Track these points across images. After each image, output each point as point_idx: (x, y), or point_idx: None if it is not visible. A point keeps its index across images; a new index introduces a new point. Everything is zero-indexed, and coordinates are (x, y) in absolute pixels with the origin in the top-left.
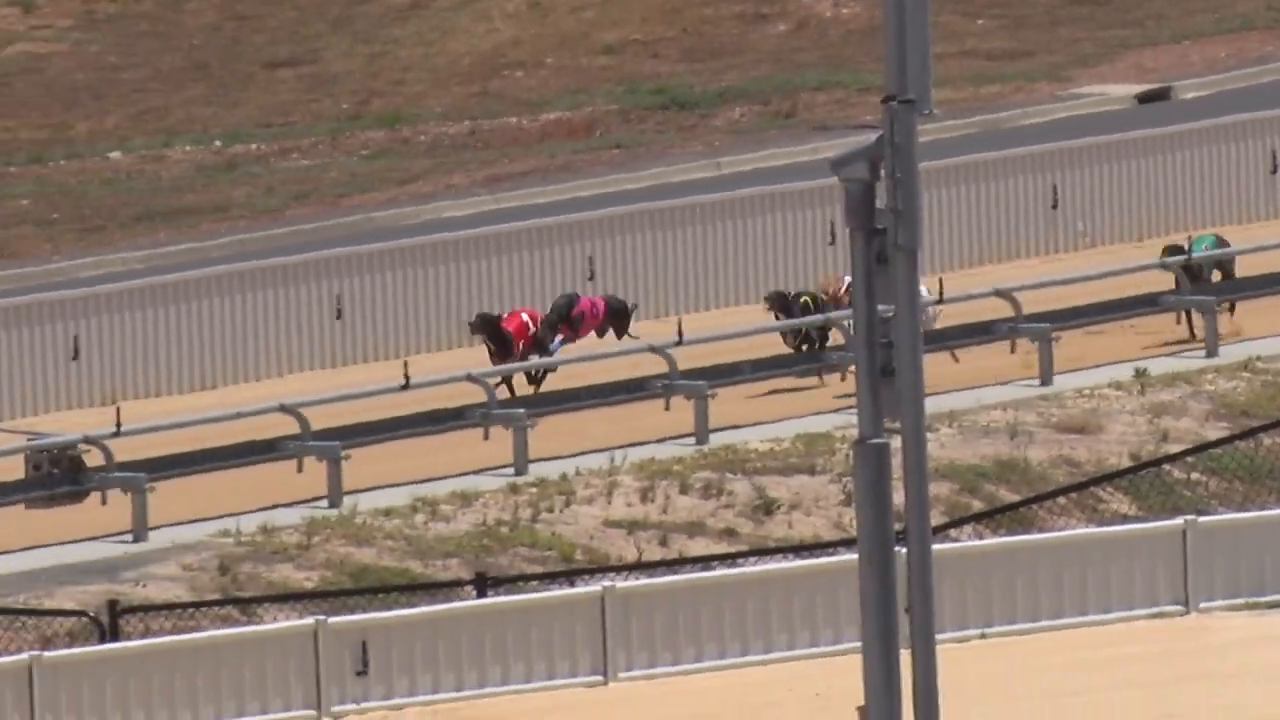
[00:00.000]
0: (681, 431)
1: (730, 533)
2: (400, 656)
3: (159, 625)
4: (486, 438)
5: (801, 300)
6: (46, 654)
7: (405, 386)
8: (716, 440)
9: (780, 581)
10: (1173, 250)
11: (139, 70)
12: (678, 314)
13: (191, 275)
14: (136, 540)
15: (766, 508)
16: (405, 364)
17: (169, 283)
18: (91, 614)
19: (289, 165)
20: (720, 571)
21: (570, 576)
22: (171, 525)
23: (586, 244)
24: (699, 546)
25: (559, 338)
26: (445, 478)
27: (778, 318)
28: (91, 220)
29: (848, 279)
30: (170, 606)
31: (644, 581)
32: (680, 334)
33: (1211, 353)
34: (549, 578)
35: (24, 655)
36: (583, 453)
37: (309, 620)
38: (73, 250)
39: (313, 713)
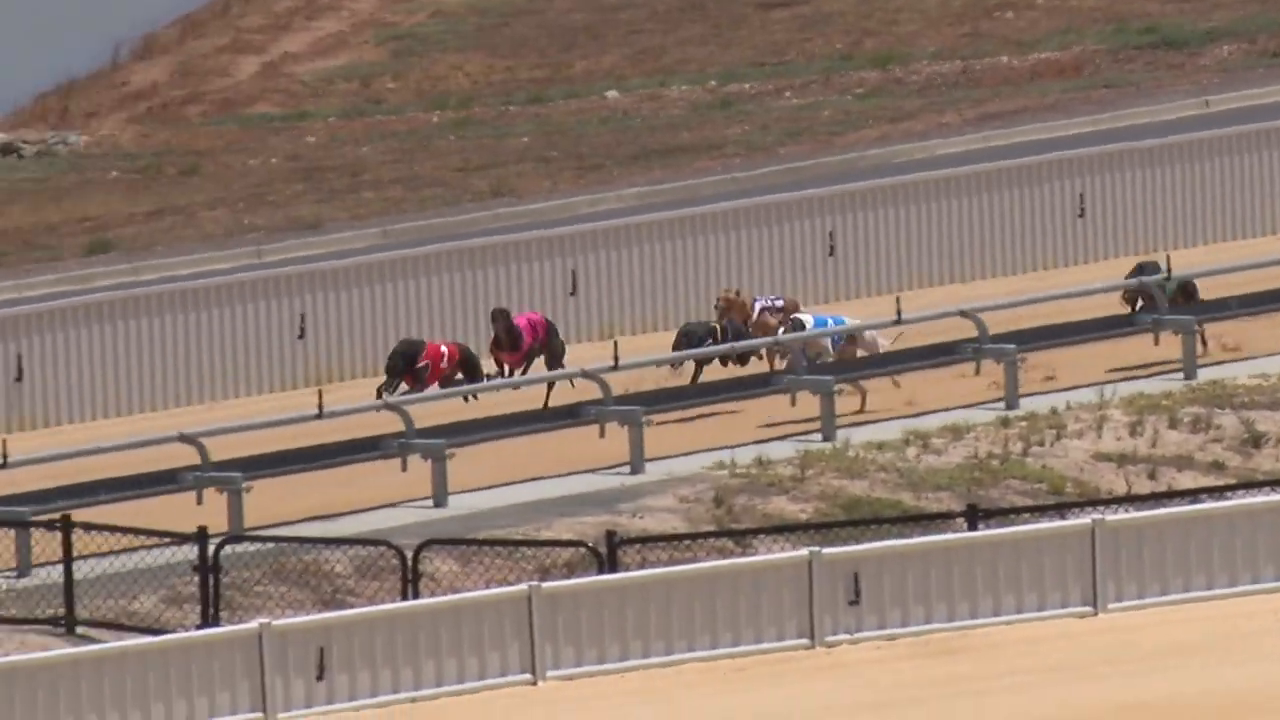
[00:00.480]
0: (1171, 367)
1: (1218, 466)
2: (892, 587)
3: (655, 557)
4: (978, 373)
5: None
6: (545, 584)
7: (897, 321)
8: (1204, 375)
9: (1268, 514)
10: (1141, 269)
11: (636, 10)
12: (1166, 249)
13: (686, 213)
14: (634, 473)
15: (1254, 441)
16: (897, 298)
17: (663, 220)
18: (590, 545)
19: (782, 104)
20: (1208, 504)
21: (1060, 509)
22: (667, 458)
23: (1075, 181)
24: (1187, 480)
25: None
26: (936, 411)
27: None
28: (589, 159)
29: (760, 303)
30: (667, 538)
31: (1133, 514)
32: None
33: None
34: (1039, 510)
35: (523, 585)
36: (1073, 387)
37: (803, 552)
38: (570, 188)
39: (806, 641)
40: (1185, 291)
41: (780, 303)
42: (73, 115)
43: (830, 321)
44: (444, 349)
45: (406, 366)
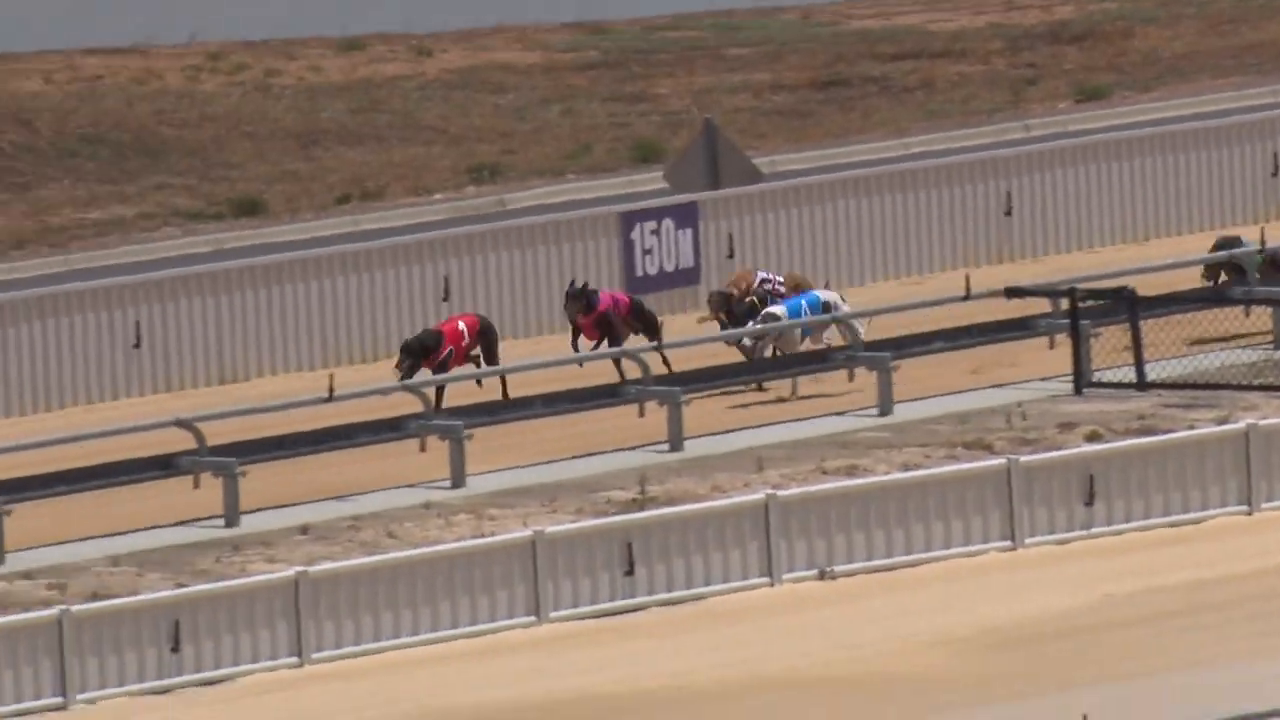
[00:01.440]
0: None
1: None
2: None
3: None
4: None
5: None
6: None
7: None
8: None
9: None
10: (1225, 244)
11: None
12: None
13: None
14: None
15: None
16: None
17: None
18: None
19: None
20: None
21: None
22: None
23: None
24: None
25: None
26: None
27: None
28: None
29: (760, 275)
30: None
31: None
32: None
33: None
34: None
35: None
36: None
37: None
38: None
39: None
40: (1275, 264)
41: (780, 280)
42: None
43: (804, 304)
44: (461, 325)
45: (422, 354)
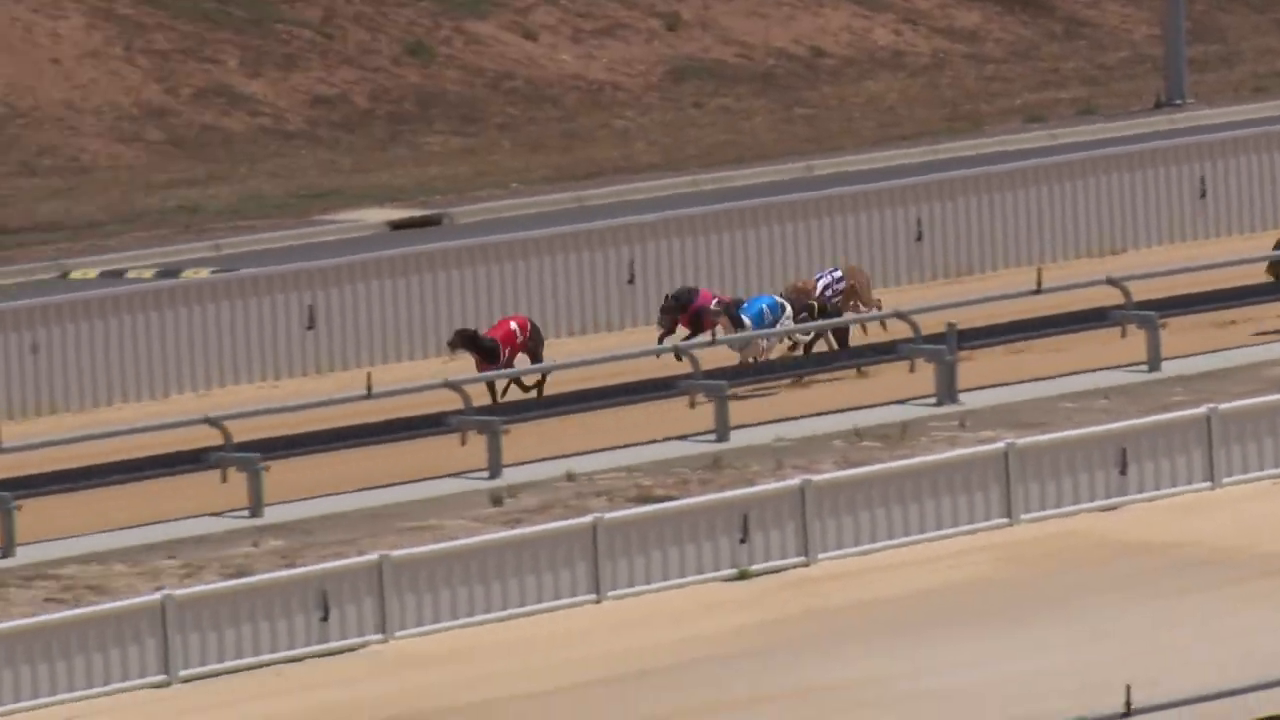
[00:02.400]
0: None
1: None
2: None
3: None
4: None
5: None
6: None
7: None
8: None
9: None
10: None
11: None
12: None
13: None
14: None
15: None
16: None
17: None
18: None
19: None
20: None
21: None
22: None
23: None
24: None
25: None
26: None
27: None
28: None
29: (821, 279)
30: None
31: None
32: None
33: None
34: None
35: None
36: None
37: None
38: None
39: None
40: None
41: (839, 275)
42: None
43: (765, 307)
44: (513, 326)
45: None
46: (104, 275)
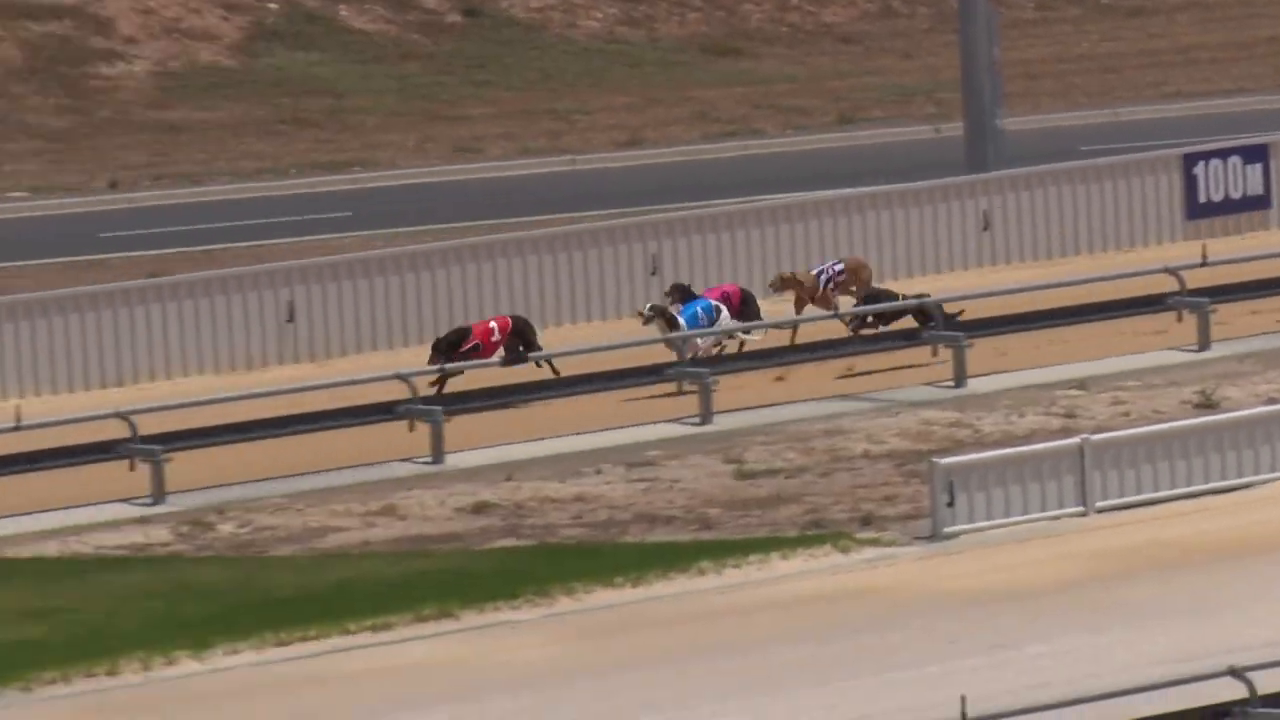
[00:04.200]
0: None
1: None
2: None
3: None
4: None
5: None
6: None
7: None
8: None
9: None
10: None
11: None
12: None
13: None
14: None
15: None
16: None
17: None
18: None
19: None
20: None
21: None
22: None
23: None
24: None
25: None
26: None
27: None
28: None
29: (820, 271)
30: None
31: None
32: None
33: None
34: None
35: None
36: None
37: None
38: None
39: None
40: None
41: (839, 266)
42: None
43: (699, 310)
44: (493, 324)
45: (450, 350)
46: None
